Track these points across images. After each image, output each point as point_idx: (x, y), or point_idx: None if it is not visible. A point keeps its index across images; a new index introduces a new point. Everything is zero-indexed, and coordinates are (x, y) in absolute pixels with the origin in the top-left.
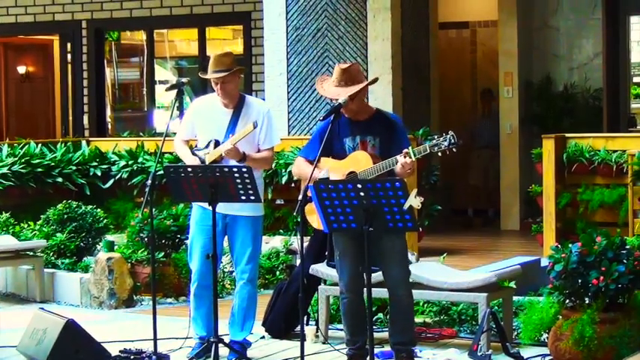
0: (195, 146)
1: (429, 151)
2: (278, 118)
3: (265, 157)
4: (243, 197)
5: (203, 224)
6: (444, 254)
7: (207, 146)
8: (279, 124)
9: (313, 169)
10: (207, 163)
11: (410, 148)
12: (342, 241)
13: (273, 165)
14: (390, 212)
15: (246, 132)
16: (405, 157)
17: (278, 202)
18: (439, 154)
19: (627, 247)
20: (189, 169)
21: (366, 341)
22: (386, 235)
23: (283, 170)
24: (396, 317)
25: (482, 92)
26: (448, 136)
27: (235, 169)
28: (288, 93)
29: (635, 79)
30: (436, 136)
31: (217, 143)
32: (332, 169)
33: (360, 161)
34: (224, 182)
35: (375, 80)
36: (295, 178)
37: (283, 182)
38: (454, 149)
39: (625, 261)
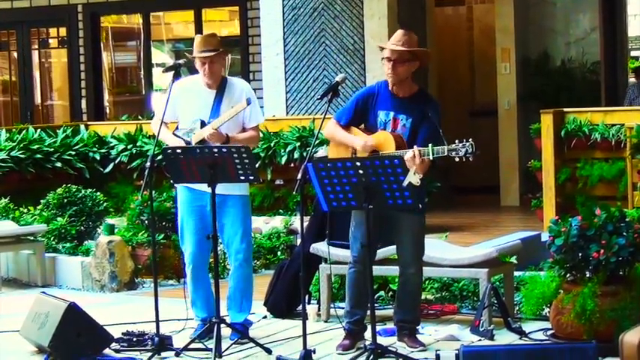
0: (176, 128)
1: (446, 154)
2: (276, 99)
3: (252, 137)
4: (243, 177)
5: (193, 205)
6: (447, 232)
7: (192, 128)
8: (277, 104)
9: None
10: (193, 143)
11: (430, 146)
12: (360, 214)
13: (272, 144)
14: (389, 190)
15: (236, 111)
16: (413, 156)
17: (277, 182)
18: (456, 159)
19: (627, 219)
20: (188, 151)
21: (364, 317)
22: (406, 213)
23: (282, 150)
24: (403, 295)
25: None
26: (467, 144)
27: (234, 149)
28: (286, 73)
29: (633, 53)
30: (457, 141)
31: (203, 123)
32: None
33: (383, 143)
34: (223, 163)
35: (428, 54)
36: (325, 136)
37: (282, 162)
38: (470, 158)
39: (625, 234)
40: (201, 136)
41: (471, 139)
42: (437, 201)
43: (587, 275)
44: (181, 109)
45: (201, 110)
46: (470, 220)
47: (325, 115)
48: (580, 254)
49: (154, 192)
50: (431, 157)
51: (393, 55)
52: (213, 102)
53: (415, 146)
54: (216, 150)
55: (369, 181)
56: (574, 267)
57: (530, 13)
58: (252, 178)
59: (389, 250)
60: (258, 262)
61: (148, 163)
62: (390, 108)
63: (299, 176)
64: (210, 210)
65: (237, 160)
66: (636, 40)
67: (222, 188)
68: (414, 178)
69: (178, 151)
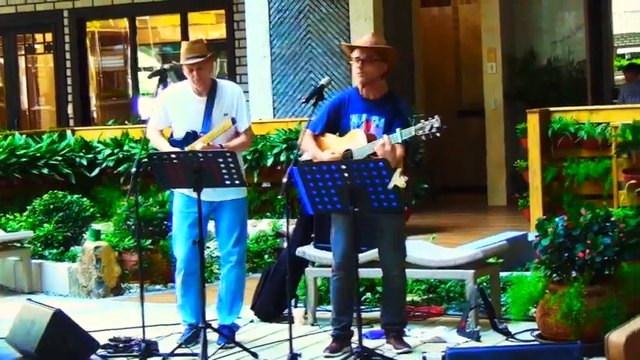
0: (171, 135)
1: (414, 134)
2: (262, 102)
3: (244, 142)
4: (228, 182)
5: (187, 211)
6: (434, 234)
7: (185, 138)
8: (264, 106)
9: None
10: None
11: (398, 130)
12: (340, 219)
13: (259, 147)
14: (374, 192)
15: (223, 129)
16: (383, 144)
17: (264, 185)
18: (423, 137)
19: (612, 219)
20: (173, 156)
21: (351, 321)
22: (383, 215)
23: (269, 153)
24: (388, 298)
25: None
26: (432, 120)
27: (219, 154)
28: (272, 76)
29: (620, 51)
30: (422, 120)
31: (195, 134)
32: (331, 146)
33: (356, 139)
34: (208, 167)
35: (396, 54)
36: (300, 148)
37: (269, 165)
38: (438, 134)
39: (610, 233)
40: (193, 149)
41: (437, 116)
42: (424, 202)
43: (573, 275)
44: (173, 116)
45: (193, 120)
46: (457, 221)
47: (311, 118)
48: (566, 254)
49: (140, 197)
50: (399, 141)
51: (362, 54)
52: (204, 110)
53: (384, 135)
54: (201, 155)
55: (354, 184)
56: (560, 267)
57: (516, 12)
58: (237, 182)
59: (375, 253)
60: (245, 265)
61: (134, 169)
62: (362, 110)
63: (284, 179)
64: (203, 216)
65: (222, 165)
66: (622, 38)
67: (217, 194)
68: (399, 180)
69: (164, 156)
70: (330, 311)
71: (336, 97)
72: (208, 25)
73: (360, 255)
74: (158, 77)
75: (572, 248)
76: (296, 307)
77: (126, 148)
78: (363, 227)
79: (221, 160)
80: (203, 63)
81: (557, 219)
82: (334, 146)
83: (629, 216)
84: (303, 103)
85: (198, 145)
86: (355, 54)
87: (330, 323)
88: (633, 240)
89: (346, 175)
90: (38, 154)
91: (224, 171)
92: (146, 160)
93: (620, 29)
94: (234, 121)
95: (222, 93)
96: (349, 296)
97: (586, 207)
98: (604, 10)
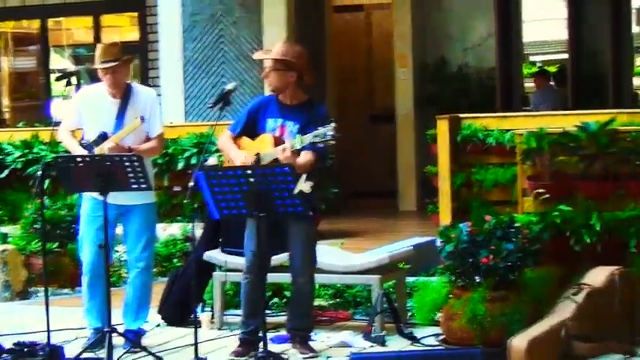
0: (82, 137)
1: (311, 140)
2: (174, 105)
3: (153, 147)
4: (135, 186)
5: (94, 215)
6: (343, 240)
7: (96, 139)
8: (176, 110)
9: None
10: None
11: (298, 136)
12: (253, 223)
13: (170, 150)
14: (280, 197)
15: (133, 127)
16: (283, 149)
17: (175, 189)
18: (321, 144)
19: (516, 225)
20: (79, 159)
21: (259, 326)
22: (293, 220)
23: (180, 157)
24: (295, 302)
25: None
26: (328, 127)
27: (125, 158)
28: (185, 79)
29: (532, 58)
30: (319, 128)
31: (105, 135)
32: (244, 149)
33: (265, 143)
34: (114, 171)
35: (299, 64)
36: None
37: (180, 169)
38: (333, 142)
39: (514, 239)
40: (102, 151)
41: (333, 123)
42: (334, 207)
43: (477, 280)
44: (85, 119)
45: (105, 121)
46: (367, 226)
47: (217, 123)
48: (470, 260)
49: (49, 200)
50: (298, 147)
51: (267, 64)
52: (117, 112)
53: (288, 139)
54: (107, 158)
55: (259, 189)
56: (464, 272)
57: (428, 19)
58: (144, 186)
59: (283, 257)
60: (154, 270)
61: (40, 171)
62: (279, 115)
63: (191, 184)
64: (111, 219)
65: (128, 169)
66: (534, 46)
67: (126, 198)
68: (304, 185)
69: (70, 160)
70: (236, 315)
71: (257, 100)
72: (121, 28)
73: (271, 259)
74: (65, 80)
75: (476, 254)
76: (203, 311)
77: (35, 150)
78: (274, 232)
79: (127, 163)
80: (118, 67)
81: (461, 225)
82: (247, 149)
83: (533, 222)
84: (209, 107)
85: (107, 145)
86: (264, 63)
87: (239, 326)
88: (536, 246)
89: (252, 180)
90: None
91: (130, 174)
92: (52, 162)
93: (531, 37)
94: (143, 119)
95: (137, 97)
96: (258, 299)
97: (490, 213)
98: (514, 18)
